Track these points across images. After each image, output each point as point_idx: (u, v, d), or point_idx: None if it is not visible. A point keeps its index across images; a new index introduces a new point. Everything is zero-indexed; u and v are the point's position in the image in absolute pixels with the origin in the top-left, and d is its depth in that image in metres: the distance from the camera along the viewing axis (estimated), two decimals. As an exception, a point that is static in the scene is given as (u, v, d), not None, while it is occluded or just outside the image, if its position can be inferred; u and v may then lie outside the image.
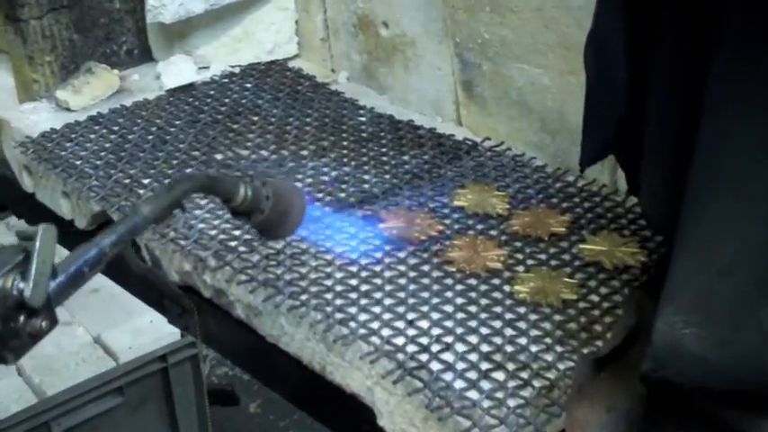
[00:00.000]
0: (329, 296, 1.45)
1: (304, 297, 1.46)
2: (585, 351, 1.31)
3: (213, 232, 1.64)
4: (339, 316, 1.41)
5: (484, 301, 1.42)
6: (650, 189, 1.28)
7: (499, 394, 1.25)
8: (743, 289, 1.04)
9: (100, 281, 1.60)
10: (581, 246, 1.53)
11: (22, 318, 0.88)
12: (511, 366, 1.30)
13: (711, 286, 1.06)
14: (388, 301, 1.43)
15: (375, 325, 1.39)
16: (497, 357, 1.31)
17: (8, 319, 0.87)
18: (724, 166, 1.08)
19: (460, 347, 1.33)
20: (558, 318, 1.38)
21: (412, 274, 1.49)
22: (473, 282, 1.46)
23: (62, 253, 0.95)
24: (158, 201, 1.03)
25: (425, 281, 1.47)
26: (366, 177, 1.77)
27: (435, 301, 1.43)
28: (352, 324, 1.39)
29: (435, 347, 1.34)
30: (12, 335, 0.88)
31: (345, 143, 1.91)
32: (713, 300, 1.05)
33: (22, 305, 0.88)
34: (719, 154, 1.08)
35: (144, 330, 1.52)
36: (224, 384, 2.75)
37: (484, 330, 1.36)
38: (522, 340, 1.34)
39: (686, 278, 1.08)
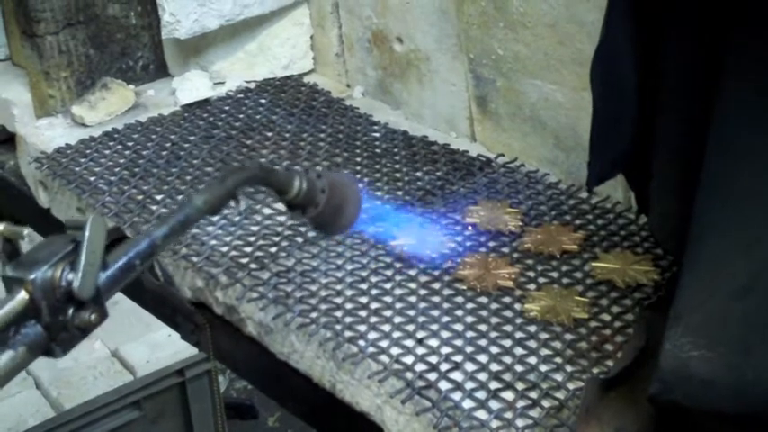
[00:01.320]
0: (339, 314, 1.45)
1: (314, 315, 1.46)
2: (595, 371, 1.30)
3: (225, 249, 1.64)
4: (348, 334, 1.41)
5: (494, 320, 1.41)
6: (659, 209, 1.28)
7: (508, 414, 1.24)
8: (756, 313, 1.03)
9: (117, 294, 1.60)
10: (593, 263, 1.52)
11: (70, 310, 0.85)
12: (520, 386, 1.29)
13: (723, 308, 1.05)
14: (397, 320, 1.43)
15: (384, 343, 1.38)
16: (507, 377, 1.30)
17: (57, 311, 0.84)
18: (735, 188, 1.07)
19: (470, 367, 1.33)
20: (568, 337, 1.37)
21: (422, 291, 1.49)
22: (484, 300, 1.46)
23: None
24: (212, 192, 0.98)
25: (436, 299, 1.47)
26: (379, 194, 1.77)
27: (446, 319, 1.42)
28: (362, 342, 1.39)
29: (444, 366, 1.33)
30: (60, 327, 0.85)
31: (359, 159, 1.91)
32: (724, 322, 1.04)
33: (70, 297, 0.84)
34: (730, 175, 1.08)
35: (161, 344, 1.51)
36: (243, 398, 2.75)
37: (494, 349, 1.36)
38: (532, 360, 1.33)
39: (695, 299, 1.07)
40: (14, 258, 0.86)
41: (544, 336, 1.38)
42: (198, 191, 0.99)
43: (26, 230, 0.89)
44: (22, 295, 0.83)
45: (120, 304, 1.61)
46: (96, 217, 0.88)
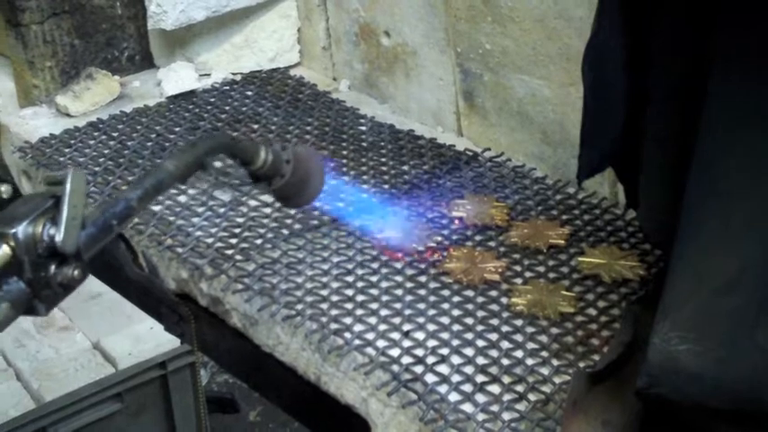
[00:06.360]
0: (325, 306, 1.45)
1: (299, 306, 1.45)
2: (582, 365, 1.30)
3: (210, 240, 1.63)
4: (334, 326, 1.40)
5: (481, 314, 1.41)
6: (648, 203, 1.28)
7: (494, 408, 1.24)
8: (743, 307, 1.03)
9: (100, 287, 1.60)
10: (580, 258, 1.51)
11: (53, 266, 0.84)
12: (506, 379, 1.29)
13: (711, 303, 1.05)
14: (384, 312, 1.42)
15: (370, 336, 1.38)
16: (493, 370, 1.30)
17: (39, 267, 0.83)
18: (723, 183, 1.07)
19: (456, 360, 1.32)
20: (555, 331, 1.37)
21: (409, 284, 1.48)
22: (470, 293, 1.45)
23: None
24: (183, 157, 0.99)
25: (422, 292, 1.46)
26: (365, 187, 1.76)
27: (432, 312, 1.42)
28: (347, 335, 1.38)
29: (431, 359, 1.33)
30: (43, 284, 0.83)
31: (345, 152, 1.90)
32: (712, 317, 1.04)
33: (53, 252, 0.83)
34: (718, 169, 1.08)
35: (144, 337, 1.51)
36: (224, 392, 2.74)
37: (480, 343, 1.35)
38: (519, 353, 1.33)
39: (683, 294, 1.07)
40: None
41: (530, 330, 1.37)
42: (169, 156, 0.99)
43: (3, 187, 0.88)
44: (4, 250, 0.81)
45: (102, 296, 1.60)
46: (77, 171, 0.86)
